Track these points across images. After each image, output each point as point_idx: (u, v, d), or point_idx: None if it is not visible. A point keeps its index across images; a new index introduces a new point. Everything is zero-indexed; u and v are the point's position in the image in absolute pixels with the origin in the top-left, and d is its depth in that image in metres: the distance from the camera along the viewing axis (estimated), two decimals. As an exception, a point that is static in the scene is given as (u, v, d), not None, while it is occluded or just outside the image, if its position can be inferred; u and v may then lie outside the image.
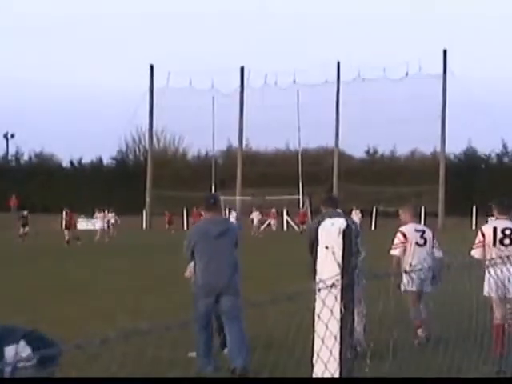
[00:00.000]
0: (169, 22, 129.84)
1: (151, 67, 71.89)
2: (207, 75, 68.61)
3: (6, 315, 14.10)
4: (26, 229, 47.38)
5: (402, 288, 10.97)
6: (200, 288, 9.37)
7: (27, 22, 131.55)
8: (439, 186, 68.38)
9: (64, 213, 46.52)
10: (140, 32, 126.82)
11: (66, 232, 42.96)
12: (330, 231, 4.48)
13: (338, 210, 10.82)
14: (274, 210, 62.40)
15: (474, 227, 60.06)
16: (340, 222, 4.52)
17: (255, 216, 58.76)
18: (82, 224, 63.17)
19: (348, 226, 4.48)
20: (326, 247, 4.47)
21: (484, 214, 59.85)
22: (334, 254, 4.44)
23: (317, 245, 4.51)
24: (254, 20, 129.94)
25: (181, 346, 9.22)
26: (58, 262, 28.41)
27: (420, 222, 11.87)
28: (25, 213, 49.33)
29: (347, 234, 4.46)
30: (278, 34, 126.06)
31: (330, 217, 9.48)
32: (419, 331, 10.97)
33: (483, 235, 10.10)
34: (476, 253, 10.02)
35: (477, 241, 10.15)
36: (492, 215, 10.61)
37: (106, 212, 53.20)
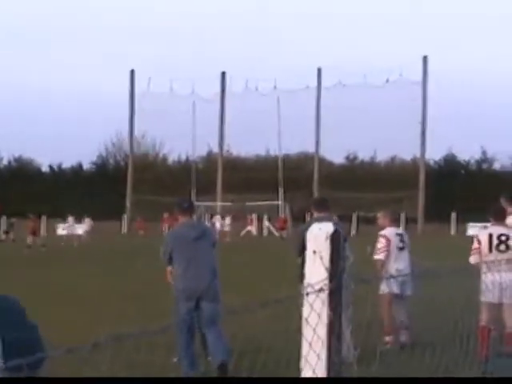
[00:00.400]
0: (150, 27, 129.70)
1: (132, 72, 71.85)
2: (188, 80, 68.71)
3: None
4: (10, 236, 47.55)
5: (383, 290, 11.08)
6: (180, 292, 9.35)
7: (5, 24, 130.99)
8: (419, 191, 68.70)
9: (31, 218, 45.58)
10: (121, 36, 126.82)
11: (30, 237, 42.19)
12: (318, 236, 4.49)
13: (330, 214, 10.86)
14: (253, 216, 62.47)
15: (453, 233, 60.40)
16: (328, 227, 4.54)
17: (227, 221, 57.68)
18: (62, 230, 62.98)
19: (336, 230, 4.50)
20: (314, 252, 4.48)
21: (463, 220, 60.45)
22: (321, 258, 4.45)
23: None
24: (234, 25, 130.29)
25: (160, 350, 9.20)
26: (36, 268, 28.26)
27: (399, 227, 11.93)
28: (12, 220, 49.59)
29: (335, 239, 4.48)
30: (258, 39, 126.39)
31: (321, 222, 9.53)
32: (387, 338, 11.03)
33: (479, 242, 10.22)
34: (473, 259, 10.15)
35: (473, 247, 10.27)
36: (489, 221, 10.72)
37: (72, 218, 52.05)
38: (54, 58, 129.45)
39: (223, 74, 71.53)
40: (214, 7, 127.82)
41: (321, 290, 4.43)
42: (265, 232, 63.26)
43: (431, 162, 78.08)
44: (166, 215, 55.14)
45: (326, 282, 4.43)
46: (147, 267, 26.02)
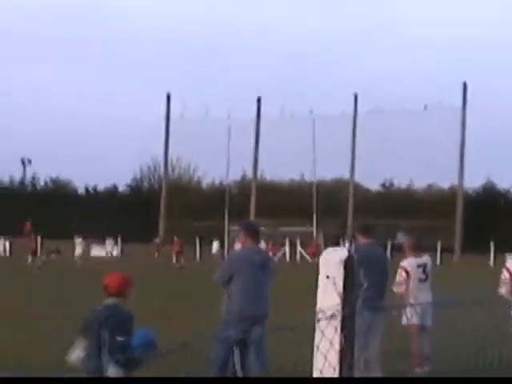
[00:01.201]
0: (186, 51, 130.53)
1: (168, 96, 72.27)
2: (224, 105, 69.03)
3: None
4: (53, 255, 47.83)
5: (404, 321, 10.87)
6: (232, 315, 9.23)
7: (44, 47, 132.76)
8: (456, 220, 67.90)
9: (33, 237, 45.78)
10: (157, 60, 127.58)
11: (30, 257, 42.23)
12: (331, 260, 4.39)
13: (376, 241, 10.67)
14: (286, 241, 62.46)
15: (491, 264, 59.58)
16: (341, 252, 4.44)
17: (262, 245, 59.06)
18: (96, 251, 63.49)
19: (350, 255, 4.40)
20: (327, 277, 4.38)
21: (502, 251, 59.45)
22: (334, 283, 4.35)
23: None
24: (271, 50, 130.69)
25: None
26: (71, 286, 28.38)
27: (421, 255, 11.59)
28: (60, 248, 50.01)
29: (349, 264, 4.37)
30: (295, 64, 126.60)
31: (366, 250, 9.41)
32: (417, 369, 10.84)
33: (509, 272, 9.99)
34: (502, 290, 9.91)
35: (502, 277, 10.04)
36: None
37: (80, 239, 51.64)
38: (91, 80, 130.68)
39: (259, 98, 71.74)
40: (250, 31, 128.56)
41: (333, 316, 4.32)
42: (297, 257, 63.02)
43: (469, 191, 77.10)
44: (175, 239, 54.72)
45: (339, 308, 4.32)
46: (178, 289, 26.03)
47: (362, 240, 10.39)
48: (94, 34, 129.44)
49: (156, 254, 56.19)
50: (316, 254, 55.79)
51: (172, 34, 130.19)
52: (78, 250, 54.47)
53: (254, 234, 9.65)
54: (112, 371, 6.71)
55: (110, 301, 7.15)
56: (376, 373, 9.89)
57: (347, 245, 56.92)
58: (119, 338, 6.68)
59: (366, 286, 8.76)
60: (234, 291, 9.34)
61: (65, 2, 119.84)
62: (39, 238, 49.85)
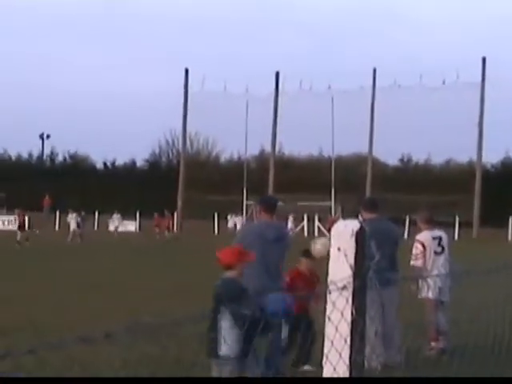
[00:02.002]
0: (204, 26, 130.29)
1: (186, 71, 72.07)
2: (242, 79, 68.83)
3: (31, 312, 14.22)
4: (79, 229, 47.93)
5: (423, 295, 10.88)
6: (250, 290, 9.21)
7: (64, 23, 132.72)
8: (475, 195, 67.63)
9: (16, 213, 45.04)
10: (176, 35, 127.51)
11: (18, 233, 41.55)
12: (343, 233, 4.44)
13: (381, 216, 10.56)
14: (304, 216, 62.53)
15: (510, 238, 59.41)
16: (353, 224, 4.48)
17: (290, 221, 59.74)
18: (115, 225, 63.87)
19: (361, 227, 4.44)
20: (339, 249, 4.42)
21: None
22: (346, 256, 4.39)
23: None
24: (289, 24, 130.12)
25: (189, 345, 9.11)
26: (80, 260, 28.58)
27: (434, 228, 11.54)
28: (82, 213, 49.92)
29: (360, 236, 4.41)
30: (313, 39, 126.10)
31: (377, 225, 9.40)
32: (433, 344, 10.86)
33: None
34: None
35: None
36: None
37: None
38: (110, 56, 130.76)
39: (277, 73, 71.37)
40: (267, 7, 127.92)
41: (344, 287, 4.37)
42: (315, 232, 63.05)
43: (488, 166, 76.75)
44: (156, 215, 54.90)
45: (350, 280, 4.37)
46: (199, 263, 26.15)
47: (367, 215, 10.29)
48: (113, 9, 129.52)
49: (156, 229, 56.29)
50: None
51: (191, 8, 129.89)
52: (115, 224, 55.23)
53: (268, 207, 9.49)
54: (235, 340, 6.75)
55: (224, 274, 7.23)
56: (395, 347, 9.92)
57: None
58: (244, 311, 6.66)
59: (378, 258, 8.79)
60: (246, 268, 9.33)
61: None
62: (58, 213, 50.23)
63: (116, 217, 61.25)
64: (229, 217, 61.23)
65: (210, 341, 6.70)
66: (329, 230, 51.70)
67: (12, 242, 39.37)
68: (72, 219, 48.02)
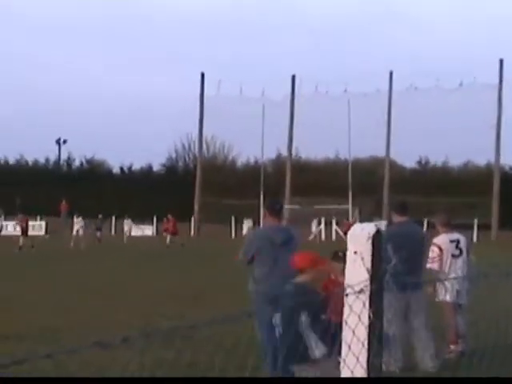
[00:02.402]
0: (220, 30, 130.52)
1: (202, 75, 72.23)
2: (258, 83, 68.85)
3: (47, 316, 14.25)
4: (98, 233, 47.84)
5: (440, 298, 10.83)
6: (262, 295, 9.09)
7: (79, 27, 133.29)
8: (493, 198, 67.37)
9: (18, 219, 44.28)
10: (191, 39, 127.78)
11: (20, 238, 40.90)
12: (359, 236, 4.41)
13: (411, 219, 10.51)
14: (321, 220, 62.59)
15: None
16: (370, 227, 4.45)
17: (314, 225, 60.10)
18: (132, 230, 64.09)
19: (378, 231, 4.41)
20: (355, 252, 4.40)
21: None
22: (362, 259, 4.37)
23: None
24: (305, 27, 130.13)
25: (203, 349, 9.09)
26: (98, 263, 28.65)
27: (452, 231, 11.49)
28: (99, 216, 49.86)
29: (377, 240, 4.38)
30: (329, 41, 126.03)
31: (406, 229, 9.32)
32: (452, 347, 10.80)
33: None
34: None
35: None
36: None
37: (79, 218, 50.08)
38: (127, 60, 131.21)
39: (293, 77, 71.39)
40: (284, 9, 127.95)
41: (361, 291, 4.35)
42: (333, 236, 62.96)
43: (506, 168, 76.50)
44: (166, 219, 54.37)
45: (367, 283, 4.34)
46: (214, 267, 26.17)
47: (398, 218, 10.26)
48: (129, 13, 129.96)
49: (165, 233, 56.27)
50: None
51: (206, 12, 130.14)
52: (126, 229, 55.42)
53: (274, 211, 9.50)
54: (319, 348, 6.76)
55: (295, 279, 7.23)
56: (429, 352, 9.82)
57: (383, 222, 56.80)
58: (322, 315, 6.63)
59: (395, 261, 8.74)
60: (257, 272, 9.23)
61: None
62: (75, 218, 50.11)
63: (127, 222, 61.51)
64: (245, 221, 61.28)
65: (293, 346, 6.65)
66: (345, 234, 51.53)
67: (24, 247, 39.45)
68: (77, 224, 47.71)
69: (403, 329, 9.84)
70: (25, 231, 41.90)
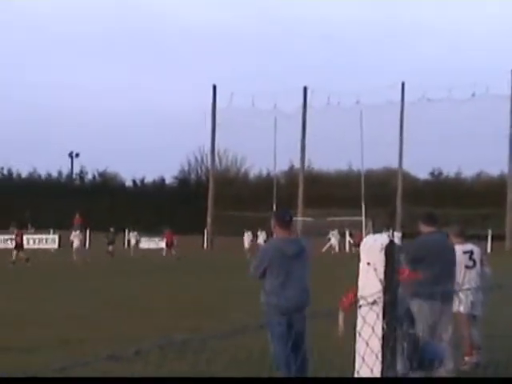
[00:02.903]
0: (231, 42, 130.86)
1: (214, 87, 72.33)
2: (270, 95, 68.76)
3: (62, 330, 14.27)
4: (110, 247, 47.74)
5: (454, 309, 10.75)
6: (274, 307, 9.06)
7: (93, 41, 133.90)
8: (507, 208, 67.13)
9: (14, 231, 42.65)
10: (203, 52, 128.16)
11: (14, 252, 39.29)
12: (372, 247, 4.40)
13: (440, 230, 10.38)
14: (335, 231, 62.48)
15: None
16: (383, 238, 4.44)
17: (334, 237, 60.09)
18: (145, 243, 64.16)
19: (391, 242, 4.40)
20: (368, 263, 4.38)
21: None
22: (375, 270, 4.35)
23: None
24: (316, 39, 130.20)
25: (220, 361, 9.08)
26: (110, 278, 28.64)
27: (465, 242, 11.41)
28: (111, 229, 49.77)
29: (390, 251, 4.37)
30: (340, 53, 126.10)
31: (436, 239, 9.22)
32: (467, 358, 10.73)
33: None
34: None
35: None
36: None
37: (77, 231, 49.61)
38: (138, 73, 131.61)
39: (305, 88, 71.44)
40: (295, 22, 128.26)
41: (374, 302, 4.33)
42: (347, 248, 62.85)
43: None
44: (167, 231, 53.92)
45: (380, 294, 4.33)
46: (227, 280, 26.12)
47: (427, 228, 10.03)
48: (141, 27, 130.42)
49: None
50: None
51: (217, 25, 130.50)
52: (132, 242, 55.25)
53: (284, 222, 9.37)
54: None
55: None
56: (447, 364, 9.73)
57: (398, 233, 56.59)
58: (411, 331, 6.53)
59: (429, 272, 8.50)
60: (269, 284, 9.14)
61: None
62: (88, 231, 50.05)
63: (133, 234, 61.58)
64: (259, 233, 61.21)
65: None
66: (358, 245, 51.30)
67: (40, 260, 39.34)
68: (75, 237, 47.21)
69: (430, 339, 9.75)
70: (20, 245, 40.08)
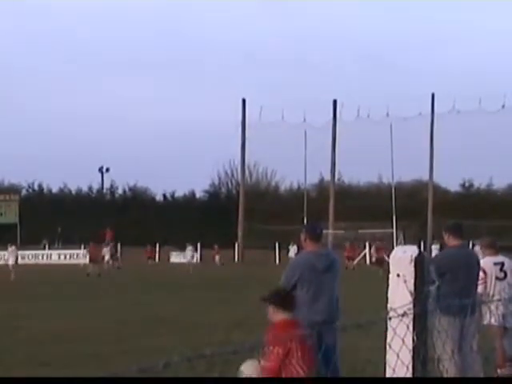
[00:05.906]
0: (261, 56, 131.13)
1: (243, 101, 72.49)
2: (299, 109, 68.91)
3: (96, 345, 14.34)
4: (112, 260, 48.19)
5: (485, 321, 10.66)
6: (304, 321, 8.78)
7: (121, 55, 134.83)
8: (538, 220, 66.52)
9: (90, 245, 45.10)
10: (232, 65, 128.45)
11: (90, 265, 41.36)
12: (402, 259, 4.39)
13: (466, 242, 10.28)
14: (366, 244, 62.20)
15: None
16: (412, 250, 4.43)
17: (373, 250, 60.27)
18: (176, 257, 64.33)
19: (420, 253, 4.39)
20: (398, 275, 4.38)
21: None
22: (405, 282, 4.34)
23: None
24: (345, 52, 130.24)
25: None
26: (144, 293, 28.74)
27: (497, 254, 11.34)
28: (148, 247, 50.34)
29: (419, 262, 4.36)
30: (370, 66, 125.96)
31: (462, 253, 9.11)
32: (499, 371, 10.63)
33: None
34: None
35: None
36: None
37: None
38: (168, 89, 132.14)
39: (335, 101, 71.40)
40: (326, 34, 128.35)
41: (404, 314, 4.31)
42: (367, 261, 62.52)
43: (550, 189, 75.67)
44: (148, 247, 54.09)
45: (410, 306, 4.31)
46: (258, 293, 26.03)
47: (453, 241, 9.83)
48: (170, 40, 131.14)
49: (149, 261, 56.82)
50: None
51: (246, 38, 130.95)
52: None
53: (315, 235, 9.32)
54: None
55: None
56: (478, 374, 9.63)
57: (436, 246, 55.97)
58: None
59: (438, 284, 8.60)
60: (300, 298, 8.93)
61: (139, 9, 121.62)
62: (119, 246, 50.43)
63: (163, 249, 61.75)
64: (290, 246, 61.16)
65: None
66: (377, 260, 49.91)
67: (80, 275, 39.71)
68: (106, 252, 48.12)
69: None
70: (95, 258, 43.17)
